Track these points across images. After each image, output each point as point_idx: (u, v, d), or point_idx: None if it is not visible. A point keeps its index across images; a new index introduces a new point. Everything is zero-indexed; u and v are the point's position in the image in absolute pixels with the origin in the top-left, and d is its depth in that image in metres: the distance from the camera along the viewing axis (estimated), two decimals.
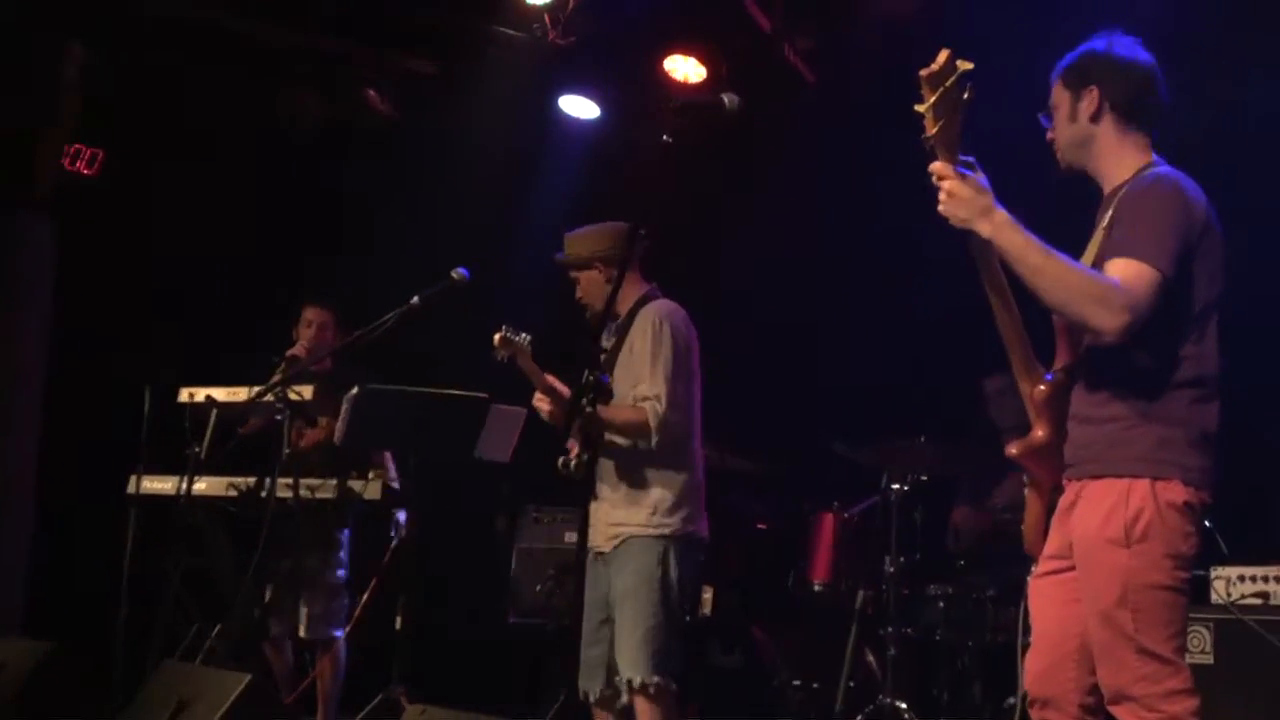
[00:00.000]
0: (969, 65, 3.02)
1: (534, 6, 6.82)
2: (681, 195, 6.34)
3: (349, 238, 7.46)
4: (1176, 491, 3.18)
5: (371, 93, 7.47)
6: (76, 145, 7.20)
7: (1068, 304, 3.15)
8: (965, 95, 3.05)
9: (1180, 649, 3.20)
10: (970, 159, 3.19)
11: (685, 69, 6.97)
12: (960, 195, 3.15)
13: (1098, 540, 3.23)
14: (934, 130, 3.08)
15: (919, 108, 3.08)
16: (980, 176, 3.19)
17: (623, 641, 4.44)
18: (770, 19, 6.71)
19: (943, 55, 3.03)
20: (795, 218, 7.17)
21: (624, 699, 4.46)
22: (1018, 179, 3.61)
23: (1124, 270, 3.14)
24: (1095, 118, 3.39)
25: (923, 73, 3.05)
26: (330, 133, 7.41)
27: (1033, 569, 3.53)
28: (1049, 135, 3.49)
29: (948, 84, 3.04)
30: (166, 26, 6.96)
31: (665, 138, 3.64)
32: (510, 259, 6.71)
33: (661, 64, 6.99)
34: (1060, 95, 3.45)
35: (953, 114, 3.07)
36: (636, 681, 4.39)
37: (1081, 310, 3.14)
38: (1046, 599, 3.42)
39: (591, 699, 4.54)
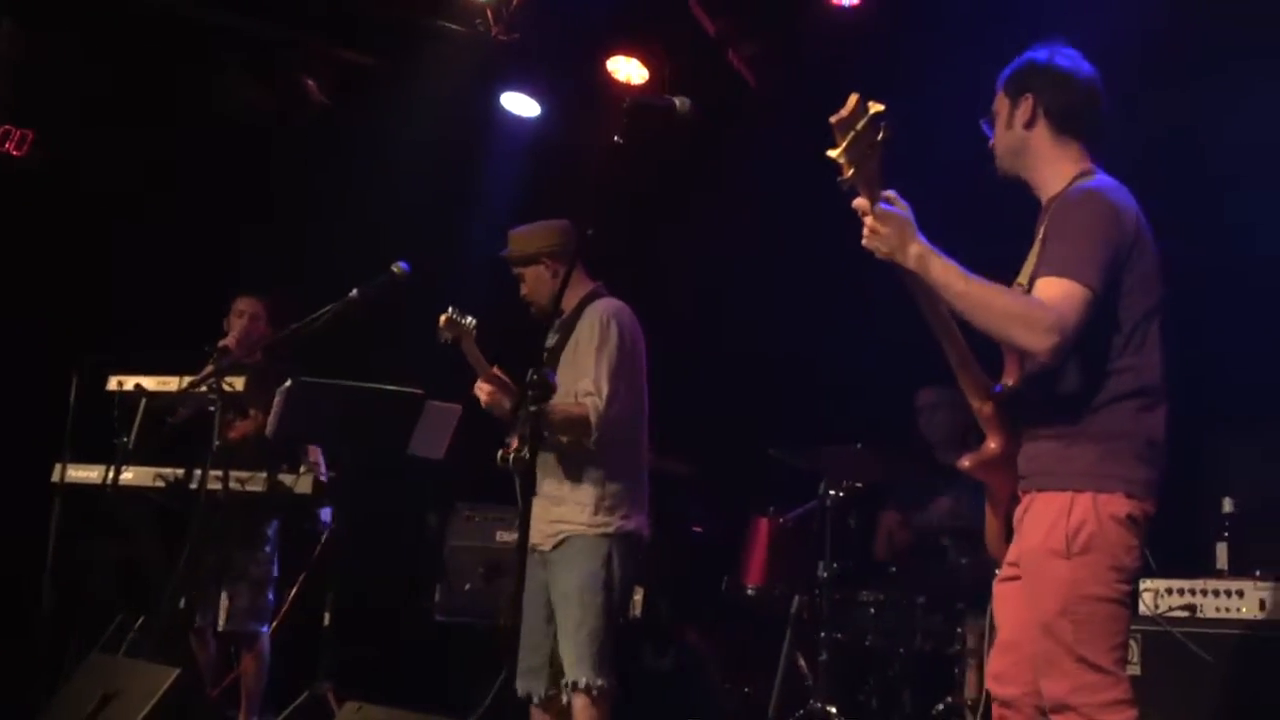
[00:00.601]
0: (880, 107, 3.00)
1: (477, 2, 6.78)
2: (625, 195, 6.32)
3: (285, 229, 7.36)
4: (1119, 504, 3.22)
5: (310, 82, 7.38)
6: (6, 126, 7.05)
7: (994, 327, 3.17)
8: (880, 135, 3.03)
9: (1121, 660, 3.24)
10: (892, 192, 3.20)
11: (628, 70, 6.98)
12: (881, 231, 3.18)
13: (1040, 551, 3.27)
14: (849, 174, 3.06)
15: (831, 153, 3.05)
16: (902, 209, 3.21)
17: (567, 643, 4.41)
18: (715, 23, 6.71)
19: (851, 100, 3.03)
20: (736, 222, 7.17)
21: (565, 699, 4.43)
22: (966, 189, 3.65)
23: (1052, 289, 3.17)
24: (1029, 125, 3.43)
25: (832, 119, 3.03)
26: (267, 121, 7.30)
27: (996, 572, 3.55)
28: (990, 143, 3.52)
29: (859, 127, 3.01)
30: (97, 3, 6.84)
31: (616, 138, 3.63)
32: (450, 254, 6.66)
33: (605, 64, 6.99)
34: (1001, 102, 3.50)
35: (867, 155, 3.05)
36: (582, 683, 4.37)
37: (1008, 333, 3.17)
38: (1007, 603, 3.46)
39: (534, 700, 4.51)
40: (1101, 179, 3.40)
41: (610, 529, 4.49)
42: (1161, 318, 3.36)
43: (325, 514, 6.11)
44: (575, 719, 4.41)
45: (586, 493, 4.51)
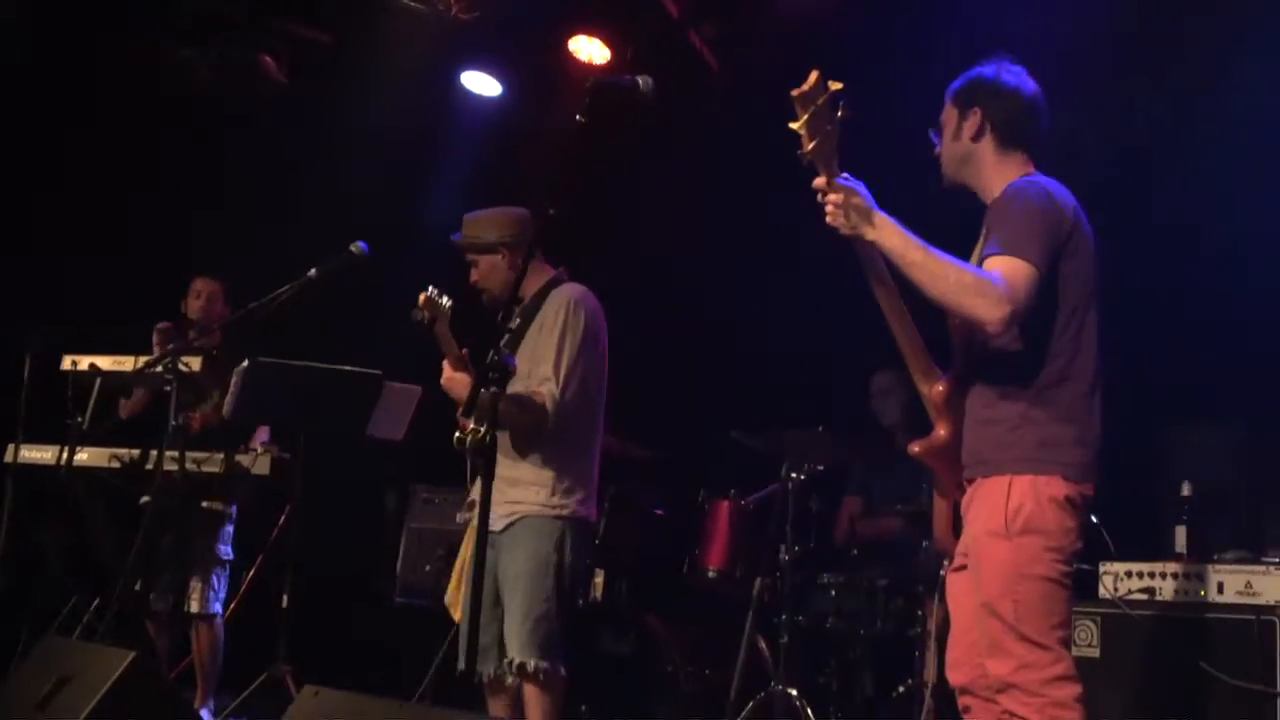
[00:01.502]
0: (839, 86, 3.16)
1: None
2: (583, 178, 6.27)
3: (240, 208, 7.28)
4: (1057, 486, 3.31)
5: (267, 60, 7.29)
6: None
7: (947, 296, 3.25)
8: (839, 114, 3.18)
9: (1063, 639, 3.31)
10: (846, 174, 3.30)
11: (590, 50, 6.95)
12: (844, 207, 3.27)
13: (982, 535, 3.36)
14: (809, 146, 3.21)
15: (793, 125, 3.19)
16: (860, 187, 3.32)
17: (513, 625, 4.37)
18: (678, 5, 6.70)
19: (812, 76, 3.17)
20: (694, 206, 7.14)
21: (509, 681, 4.40)
22: (926, 164, 3.69)
23: (1000, 265, 3.27)
24: (976, 137, 3.55)
25: (794, 92, 3.17)
26: (223, 98, 7.21)
27: (945, 564, 3.60)
28: (936, 151, 3.64)
29: (819, 103, 3.16)
30: None
31: (579, 117, 3.60)
32: (410, 235, 6.58)
33: (566, 44, 6.95)
34: (949, 114, 3.61)
35: (826, 131, 3.20)
36: (529, 666, 4.33)
37: (961, 302, 3.25)
38: (959, 592, 3.49)
39: (485, 680, 4.48)
40: (1039, 176, 3.51)
41: (565, 511, 4.44)
42: (1098, 309, 3.45)
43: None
44: (527, 706, 4.38)
45: (543, 475, 4.46)
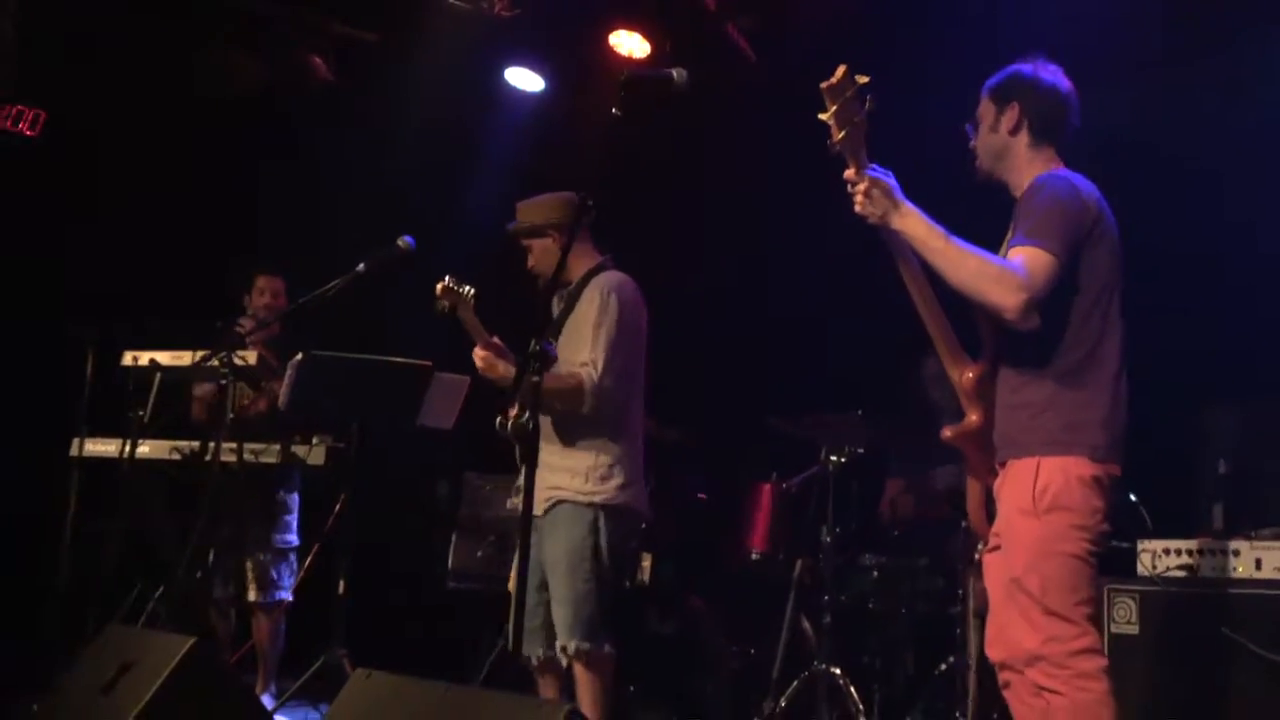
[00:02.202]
0: (866, 79, 3.26)
1: None
2: (627, 168, 6.29)
3: (292, 204, 7.33)
4: (1084, 467, 3.37)
5: (316, 59, 7.34)
6: (18, 107, 7.01)
7: (968, 283, 3.35)
8: (865, 106, 3.29)
9: (1088, 615, 3.36)
10: (875, 165, 3.41)
11: (630, 44, 6.94)
12: (872, 196, 3.38)
13: (1013, 513, 3.44)
14: (839, 137, 3.33)
15: (822, 116, 3.30)
16: (888, 176, 3.43)
17: (558, 610, 4.41)
18: None
19: (840, 70, 3.28)
20: (736, 194, 7.13)
21: (564, 662, 4.44)
22: (957, 155, 3.72)
23: (1022, 254, 3.35)
24: (1014, 131, 3.63)
25: (823, 85, 3.29)
26: (274, 97, 7.27)
27: (979, 546, 3.62)
28: (971, 144, 3.71)
29: (847, 95, 3.27)
30: None
31: (614, 110, 3.62)
32: (457, 228, 6.61)
33: (607, 39, 6.95)
34: (986, 108, 3.68)
35: (854, 123, 3.31)
36: (572, 648, 4.37)
37: (980, 289, 3.34)
38: (994, 571, 3.55)
39: (534, 663, 4.52)
40: (1064, 171, 3.59)
41: (600, 498, 4.46)
42: (1123, 296, 3.51)
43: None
44: (578, 687, 4.41)
45: (580, 461, 4.49)
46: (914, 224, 3.38)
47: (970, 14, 5.62)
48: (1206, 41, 5.67)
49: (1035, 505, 3.38)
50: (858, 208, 3.41)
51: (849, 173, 3.40)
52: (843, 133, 3.30)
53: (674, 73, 3.76)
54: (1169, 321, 5.24)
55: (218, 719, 3.80)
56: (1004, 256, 3.44)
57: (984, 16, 5.55)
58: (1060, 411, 3.41)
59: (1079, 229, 3.41)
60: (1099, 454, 3.39)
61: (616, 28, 6.92)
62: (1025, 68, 3.67)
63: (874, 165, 3.42)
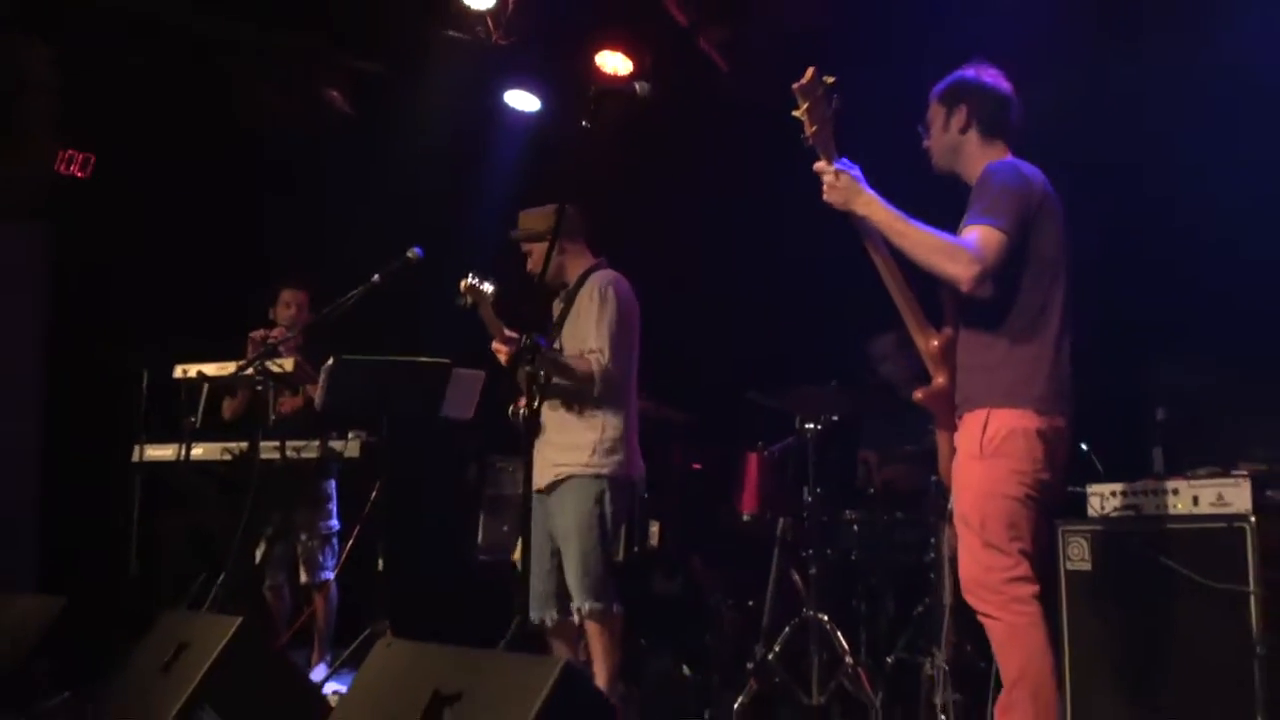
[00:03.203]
0: (832, 79, 3.37)
1: (476, 10, 6.78)
2: (617, 174, 6.30)
3: (312, 224, 7.36)
4: (1029, 419, 3.44)
5: (334, 93, 7.38)
6: (69, 151, 7.06)
7: (926, 259, 3.41)
8: (833, 104, 3.39)
9: (1023, 550, 3.43)
10: (843, 158, 3.51)
11: (614, 63, 6.94)
12: (838, 185, 3.49)
13: (963, 458, 3.52)
14: (810, 131, 3.42)
15: (795, 113, 3.39)
16: (853, 168, 3.52)
17: (570, 576, 4.45)
18: (685, 14, 6.71)
19: (809, 72, 3.37)
20: (713, 194, 7.12)
21: (577, 621, 4.47)
22: (913, 144, 3.75)
23: (974, 231, 3.41)
24: (964, 130, 3.69)
25: (795, 86, 3.37)
26: (294, 127, 7.30)
27: (950, 497, 3.68)
28: (925, 144, 3.78)
29: (816, 94, 3.37)
30: (137, 27, 6.82)
31: (584, 123, 3.64)
32: (462, 239, 6.63)
33: (593, 59, 6.94)
34: (936, 111, 3.75)
35: (824, 118, 3.40)
36: (585, 609, 4.40)
37: (937, 263, 3.40)
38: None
39: (548, 625, 4.55)
40: (1013, 159, 3.65)
41: (605, 470, 4.51)
42: (1069, 270, 3.56)
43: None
44: (591, 642, 4.44)
45: (585, 438, 4.53)
46: (876, 209, 3.46)
47: (921, 18, 5.61)
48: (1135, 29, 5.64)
49: (982, 451, 3.45)
50: (826, 195, 3.50)
51: (819, 165, 3.49)
52: (814, 128, 3.40)
53: (636, 85, 3.79)
54: (1115, 288, 5.25)
55: (263, 688, 3.83)
56: (958, 234, 3.47)
57: (934, 21, 5.54)
58: (1009, 370, 3.47)
59: (1026, 209, 3.46)
60: (1043, 407, 3.45)
61: (601, 49, 6.92)
62: (969, 73, 3.73)
63: (841, 158, 3.50)
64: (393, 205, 7.14)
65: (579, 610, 4.42)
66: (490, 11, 6.76)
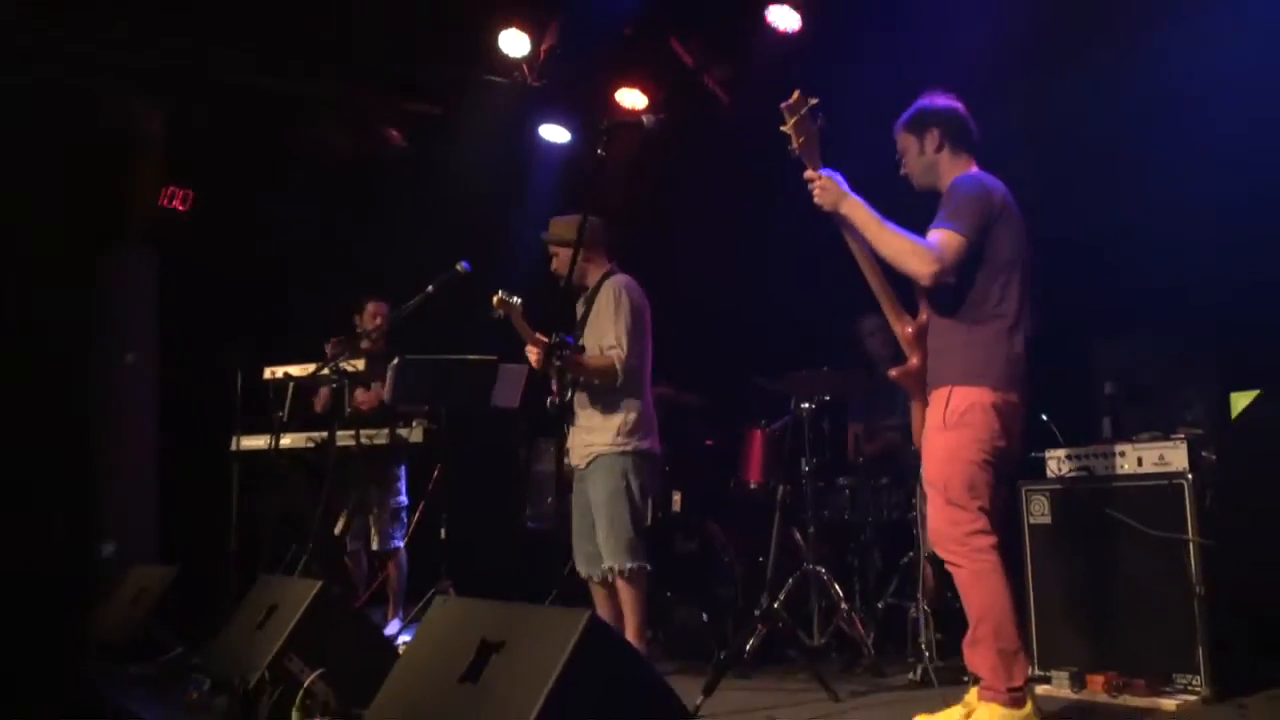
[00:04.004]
0: (815, 100, 3.43)
1: (514, 58, 6.80)
2: (635, 192, 6.29)
3: (377, 242, 7.40)
4: (986, 395, 3.44)
5: (394, 131, 7.41)
6: (171, 188, 7.12)
7: (894, 257, 3.45)
8: (818, 121, 3.44)
9: (981, 508, 3.42)
10: (827, 168, 3.54)
11: (631, 98, 6.95)
12: (825, 189, 3.51)
13: (930, 429, 3.53)
14: (797, 144, 3.47)
15: (783, 128, 3.45)
16: (837, 175, 3.54)
17: (603, 539, 4.44)
18: (692, 57, 6.70)
19: (795, 93, 3.43)
20: (719, 208, 7.09)
21: (610, 580, 4.47)
22: (884, 161, 3.73)
23: (937, 234, 3.43)
24: (938, 150, 3.67)
25: (783, 105, 3.43)
26: (357, 163, 7.34)
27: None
28: (902, 172, 3.76)
29: (801, 112, 3.43)
30: (234, 91, 6.90)
31: (599, 151, 3.63)
32: (504, 254, 6.64)
33: (614, 96, 6.94)
34: (907, 140, 3.72)
35: (810, 133, 3.46)
36: (617, 568, 4.39)
37: (904, 261, 3.43)
38: None
39: (593, 580, 4.56)
40: (977, 172, 3.64)
41: (630, 447, 4.50)
42: (1024, 268, 3.54)
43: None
44: (621, 596, 4.44)
45: (611, 421, 4.53)
46: (858, 211, 3.47)
47: (887, 49, 5.56)
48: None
49: (945, 422, 3.45)
50: (816, 198, 3.52)
51: (808, 172, 3.51)
52: (800, 139, 3.45)
53: (644, 118, 3.77)
54: (1069, 279, 5.19)
55: (339, 640, 3.85)
56: (926, 236, 3.47)
57: (898, 50, 5.50)
58: (970, 351, 3.47)
59: (985, 216, 3.46)
60: (999, 385, 3.45)
61: (620, 86, 6.93)
62: (926, 101, 3.71)
63: (827, 168, 3.53)
64: (443, 225, 7.15)
65: (610, 569, 4.41)
66: (525, 58, 6.81)
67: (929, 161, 3.67)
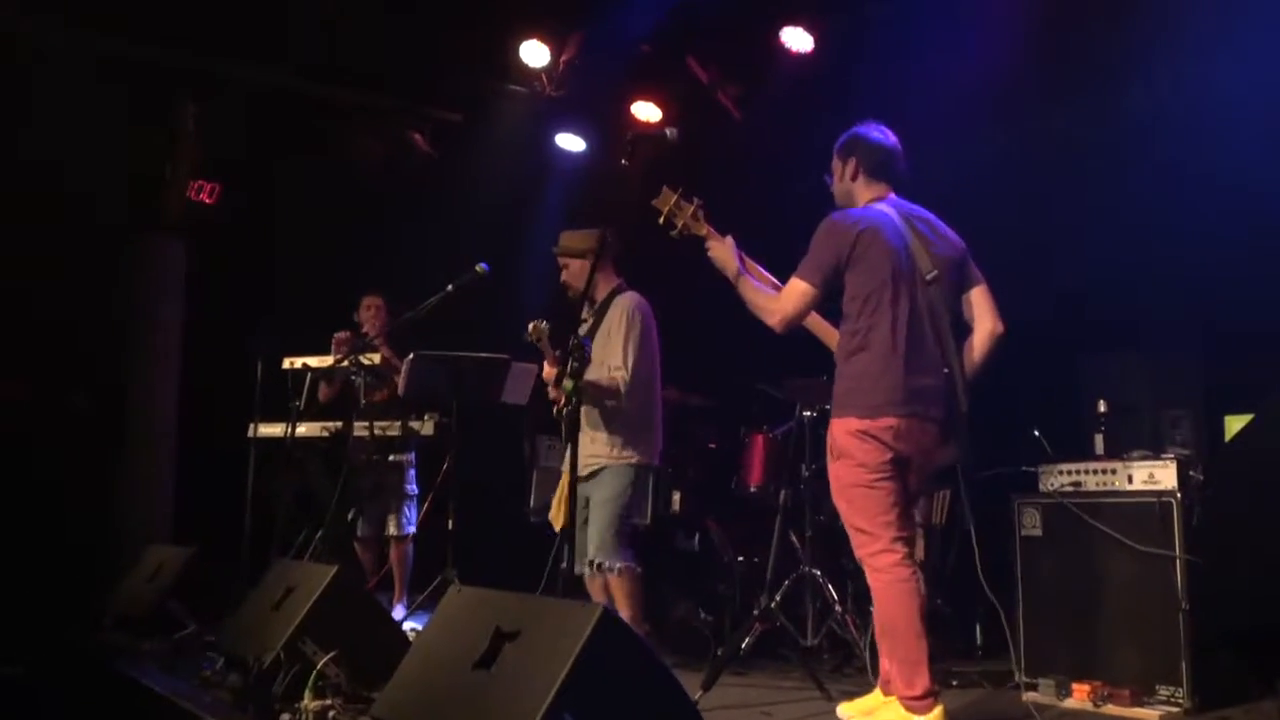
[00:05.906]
0: (679, 189, 3.78)
1: (533, 68, 6.78)
2: (646, 203, 6.23)
3: (398, 243, 7.36)
4: (853, 424, 3.46)
5: (418, 137, 7.38)
6: (200, 181, 7.08)
7: (754, 312, 3.64)
8: (694, 202, 3.82)
9: (884, 525, 3.44)
10: (718, 235, 3.77)
11: (647, 112, 6.95)
12: (715, 255, 3.77)
13: (828, 460, 3.59)
14: (675, 232, 3.80)
15: (660, 220, 3.78)
16: (726, 241, 3.75)
17: (592, 534, 4.45)
18: (706, 74, 6.67)
19: (664, 191, 3.78)
20: (726, 221, 7.05)
21: (601, 577, 4.44)
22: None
23: (789, 283, 3.57)
24: (854, 177, 3.71)
25: (653, 202, 3.73)
26: (387, 165, 7.31)
27: None
28: (830, 188, 3.82)
29: (670, 203, 3.80)
30: (259, 89, 6.88)
31: (623, 161, 3.61)
32: (520, 257, 6.60)
33: (629, 108, 6.92)
34: (836, 162, 3.78)
35: (687, 217, 3.81)
36: (605, 564, 4.38)
37: (757, 313, 3.62)
38: None
39: (587, 576, 4.52)
40: (864, 205, 3.65)
41: (632, 460, 4.49)
42: (909, 288, 3.51)
43: None
44: (611, 592, 4.42)
45: (615, 438, 4.53)
46: (736, 281, 3.63)
47: (896, 72, 5.54)
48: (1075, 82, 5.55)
49: (831, 455, 3.52)
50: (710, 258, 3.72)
51: (708, 244, 3.75)
52: (679, 225, 3.78)
53: (667, 131, 3.74)
54: (1067, 307, 5.19)
55: (353, 624, 3.82)
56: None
57: (899, 78, 5.48)
58: (842, 382, 3.52)
59: (835, 257, 3.47)
60: (867, 412, 3.43)
61: (636, 99, 6.91)
62: (859, 130, 3.72)
63: (719, 235, 3.75)
64: (464, 228, 7.12)
65: (597, 565, 4.39)
66: (544, 69, 6.78)
67: (846, 187, 3.72)
